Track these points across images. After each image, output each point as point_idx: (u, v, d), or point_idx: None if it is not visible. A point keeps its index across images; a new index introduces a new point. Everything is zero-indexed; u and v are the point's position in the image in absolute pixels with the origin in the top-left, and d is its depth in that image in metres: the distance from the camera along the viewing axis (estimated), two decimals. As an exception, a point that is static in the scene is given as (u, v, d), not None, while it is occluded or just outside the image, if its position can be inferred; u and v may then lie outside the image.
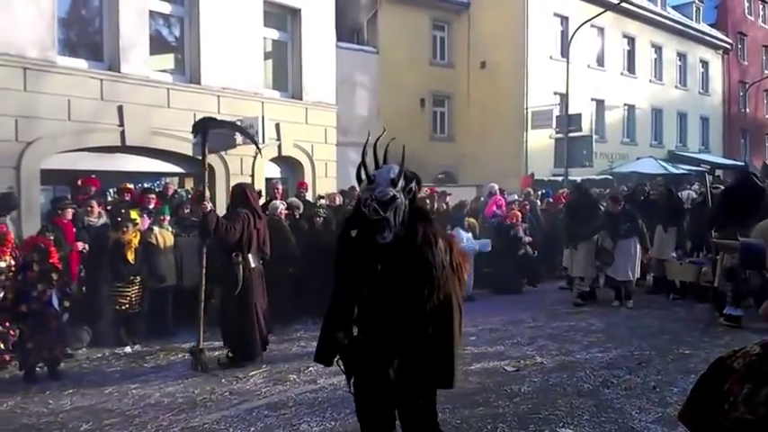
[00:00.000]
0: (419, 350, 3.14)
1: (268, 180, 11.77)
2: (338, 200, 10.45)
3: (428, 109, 20.58)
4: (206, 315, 6.61)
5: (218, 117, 10.76)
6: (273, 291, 8.48)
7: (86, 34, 10.01)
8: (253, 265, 6.40)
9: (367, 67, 18.26)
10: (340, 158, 13.73)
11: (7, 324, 6.06)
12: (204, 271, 6.44)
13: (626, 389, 5.54)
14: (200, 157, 6.61)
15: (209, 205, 6.15)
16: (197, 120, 6.69)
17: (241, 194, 6.59)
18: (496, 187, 12.23)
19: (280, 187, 9.82)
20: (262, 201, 10.80)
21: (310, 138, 12.59)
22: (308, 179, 12.47)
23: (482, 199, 12.72)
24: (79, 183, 8.23)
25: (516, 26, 19.93)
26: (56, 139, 8.86)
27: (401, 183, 3.13)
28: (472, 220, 10.92)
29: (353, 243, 3.23)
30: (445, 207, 11.77)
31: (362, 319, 3.27)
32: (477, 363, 6.36)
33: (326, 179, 12.83)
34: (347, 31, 18.04)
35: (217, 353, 6.71)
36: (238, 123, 6.69)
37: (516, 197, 11.38)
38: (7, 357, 6.18)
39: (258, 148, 7.54)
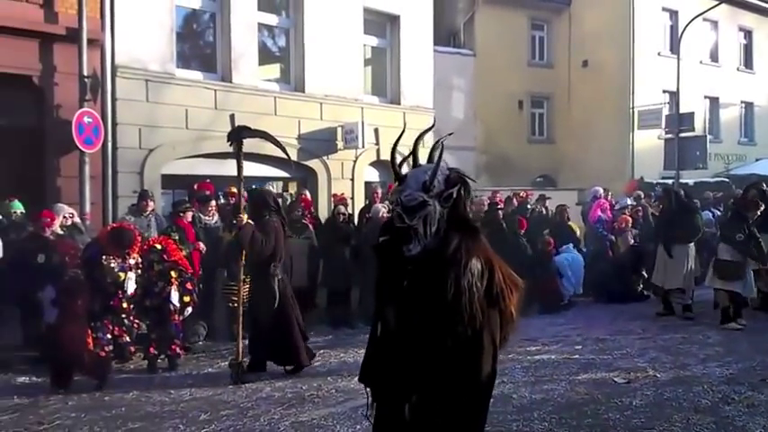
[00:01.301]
0: (439, 390, 2.69)
1: (367, 184, 12.02)
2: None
3: (526, 111, 20.17)
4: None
5: (320, 123, 11.28)
6: (368, 293, 8.70)
7: (201, 47, 10.68)
8: (280, 276, 6.18)
9: (463, 70, 18.18)
10: (437, 162, 13.74)
11: (132, 318, 6.56)
12: (244, 282, 6.23)
13: (748, 406, 5.17)
14: (237, 166, 6.29)
15: (244, 218, 5.96)
16: (231, 129, 6.58)
17: (268, 201, 6.37)
18: (601, 190, 11.76)
19: (379, 191, 9.97)
20: (359, 205, 11.12)
21: (408, 142, 12.55)
22: (405, 183, 12.59)
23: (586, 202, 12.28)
24: (195, 187, 8.77)
25: (621, 22, 19.11)
26: (175, 147, 9.52)
27: (437, 187, 2.71)
28: (572, 224, 10.60)
29: (385, 252, 2.82)
30: (545, 211, 11.50)
31: (382, 340, 2.87)
32: (584, 373, 6.17)
33: (424, 183, 12.88)
34: (444, 34, 18.05)
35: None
36: (270, 133, 6.54)
37: (629, 201, 10.79)
38: (132, 349, 6.67)
39: (289, 158, 7.02)
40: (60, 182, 8.55)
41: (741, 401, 5.29)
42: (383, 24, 12.74)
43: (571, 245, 10.04)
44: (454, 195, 2.75)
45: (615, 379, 5.98)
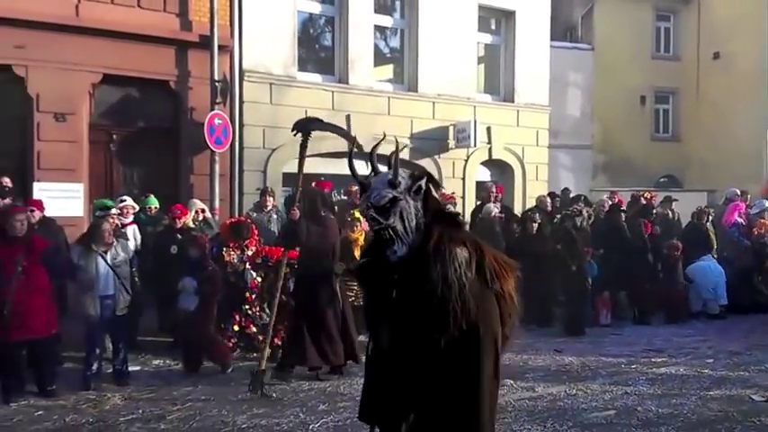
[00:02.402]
0: (437, 403, 2.55)
1: (479, 183, 11.88)
2: (549, 204, 10.11)
3: (649, 107, 19.05)
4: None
5: (432, 122, 11.30)
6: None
7: (320, 51, 11.05)
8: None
9: (581, 66, 17.45)
10: (551, 161, 13.35)
11: (256, 309, 6.90)
12: (281, 283, 5.80)
13: None
14: (300, 158, 5.92)
15: (298, 212, 5.79)
16: (298, 120, 6.12)
17: (324, 199, 6.28)
18: (738, 192, 10.84)
19: (494, 190, 9.82)
20: (470, 205, 11.00)
21: (521, 140, 12.43)
22: (518, 182, 12.34)
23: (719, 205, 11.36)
24: (313, 185, 9.09)
25: (758, 9, 17.49)
26: (295, 147, 9.90)
27: (404, 182, 2.65)
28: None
29: (368, 272, 2.74)
30: (671, 214, 10.80)
31: (376, 359, 2.74)
32: (716, 389, 5.74)
33: (537, 182, 12.55)
34: (560, 29, 17.46)
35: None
36: (341, 126, 6.20)
37: (767, 204, 9.85)
38: (261, 338, 6.99)
39: (357, 144, 5.54)
40: (193, 179, 9.20)
41: None
42: (498, 21, 12.54)
43: (709, 255, 9.32)
44: (423, 187, 2.68)
45: (753, 396, 5.52)
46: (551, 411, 5.13)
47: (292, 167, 9.89)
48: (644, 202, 10.15)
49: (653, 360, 6.78)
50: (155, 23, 8.82)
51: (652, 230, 8.99)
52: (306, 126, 5.77)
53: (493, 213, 8.86)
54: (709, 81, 18.48)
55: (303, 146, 5.79)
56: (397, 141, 2.87)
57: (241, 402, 5.31)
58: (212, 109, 9.05)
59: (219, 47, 9.15)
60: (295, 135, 5.87)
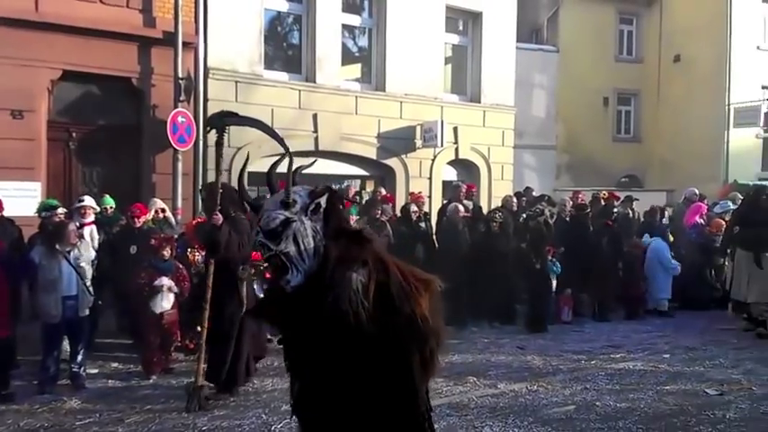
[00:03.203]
0: None
1: (445, 182, 11.98)
2: (515, 203, 10.22)
3: (612, 108, 19.43)
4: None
5: (400, 122, 11.33)
6: (448, 292, 8.65)
7: (286, 49, 11.00)
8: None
9: (546, 67, 17.72)
10: (516, 161, 13.53)
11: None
12: (209, 294, 5.14)
13: None
14: (216, 156, 5.41)
15: (220, 217, 5.21)
16: (212, 115, 5.66)
17: (233, 196, 5.39)
18: (697, 192, 11.13)
19: (464, 189, 9.90)
20: (436, 204, 11.06)
21: (487, 140, 12.57)
22: (483, 182, 12.47)
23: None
24: (278, 184, 9.04)
25: (717, 15, 18.00)
26: (260, 146, 9.83)
27: (301, 201, 2.40)
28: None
29: (265, 311, 2.54)
30: (631, 214, 11.03)
31: (303, 403, 2.51)
32: (672, 383, 5.90)
33: (503, 182, 12.71)
34: (526, 30, 17.69)
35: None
36: (258, 120, 5.05)
37: (731, 205, 10.10)
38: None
39: (285, 147, 4.74)
40: (155, 178, 9.06)
41: None
42: (465, 22, 12.65)
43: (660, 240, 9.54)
44: (323, 205, 2.43)
45: (707, 390, 5.69)
46: (513, 408, 5.21)
47: (257, 167, 9.84)
48: (602, 202, 10.35)
49: (612, 356, 6.93)
50: (117, 19, 8.67)
51: (612, 228, 9.17)
52: (220, 122, 5.29)
53: (459, 212, 8.91)
54: (670, 83, 18.94)
55: (218, 143, 5.29)
56: (290, 156, 2.63)
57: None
58: (176, 107, 8.93)
59: (184, 44, 9.04)
60: (208, 132, 5.46)
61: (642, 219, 10.69)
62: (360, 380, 2.32)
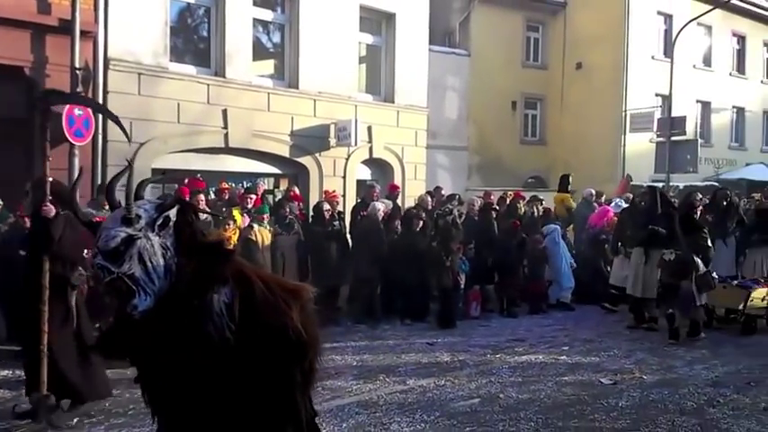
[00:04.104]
0: None
1: (359, 182, 12.02)
2: (429, 202, 10.40)
3: (519, 112, 20.20)
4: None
5: (313, 120, 11.25)
6: (364, 290, 8.70)
7: (195, 42, 10.64)
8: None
9: (458, 70, 18.16)
10: (428, 161, 13.78)
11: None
12: (46, 295, 4.54)
13: (733, 409, 5.22)
14: (42, 140, 4.77)
15: (52, 208, 4.56)
16: (40, 92, 4.96)
17: (66, 192, 4.63)
18: (593, 192, 11.76)
19: (377, 188, 9.95)
20: (350, 203, 11.07)
21: (401, 140, 12.72)
22: (397, 181, 12.60)
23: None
24: (186, 182, 8.72)
25: (616, 25, 19.16)
26: (166, 141, 9.47)
27: (146, 216, 2.17)
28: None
29: (118, 335, 2.20)
30: (536, 213, 11.49)
31: None
32: (570, 374, 6.20)
33: (416, 181, 12.91)
34: (439, 34, 18.04)
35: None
36: (93, 100, 4.40)
37: (624, 203, 10.75)
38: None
39: (125, 132, 4.38)
40: (49, 174, 8.46)
41: (726, 404, 5.33)
42: (379, 22, 12.72)
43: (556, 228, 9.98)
44: (172, 218, 2.21)
45: (602, 380, 6.01)
46: (420, 403, 5.29)
47: (162, 163, 9.47)
48: (508, 201, 10.74)
49: (516, 349, 7.20)
50: (8, 4, 8.03)
51: (518, 227, 9.51)
52: (45, 100, 4.71)
53: (379, 211, 8.96)
54: (573, 89, 19.94)
55: (42, 126, 4.65)
56: (131, 166, 2.41)
57: (98, 413, 4.98)
58: (72, 99, 8.41)
59: (82, 32, 8.53)
60: (36, 110, 4.77)
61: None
62: (235, 402, 2.16)
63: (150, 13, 9.34)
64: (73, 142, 8.33)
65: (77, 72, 8.46)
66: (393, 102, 12.62)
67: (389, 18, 12.64)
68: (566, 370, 6.35)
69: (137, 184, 2.38)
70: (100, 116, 8.64)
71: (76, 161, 8.44)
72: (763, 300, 7.86)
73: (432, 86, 14.02)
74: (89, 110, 8.46)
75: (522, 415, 5.00)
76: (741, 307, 7.83)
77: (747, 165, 21.81)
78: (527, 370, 6.34)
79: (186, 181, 9.01)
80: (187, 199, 6.56)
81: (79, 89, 8.47)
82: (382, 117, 12.38)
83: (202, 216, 7.71)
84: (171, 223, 2.21)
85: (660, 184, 16.45)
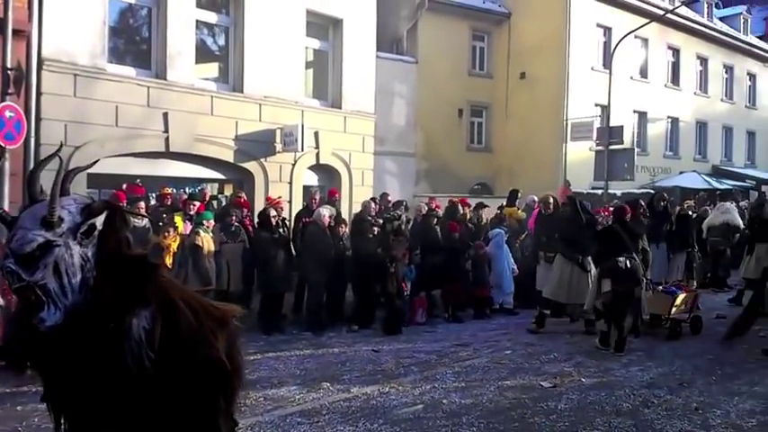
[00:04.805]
0: None
1: (306, 187, 11.92)
2: (373, 208, 10.40)
3: (466, 119, 20.53)
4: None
5: (259, 125, 11.10)
6: (310, 297, 8.62)
7: (135, 43, 10.34)
8: None
9: (405, 77, 18.30)
10: (376, 167, 13.81)
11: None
12: None
13: (667, 409, 5.39)
14: None
15: None
16: None
17: None
18: (536, 199, 12.03)
19: (317, 196, 9.88)
20: (298, 209, 10.94)
21: (348, 146, 12.70)
22: (344, 187, 12.58)
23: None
24: (124, 188, 8.46)
25: (558, 37, 19.74)
26: (103, 145, 9.15)
27: (69, 219, 1.96)
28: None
29: (18, 347, 1.96)
30: (480, 219, 11.65)
31: None
32: (512, 378, 6.28)
33: (363, 187, 12.91)
34: (387, 41, 18.14)
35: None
36: None
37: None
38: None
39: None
40: (-23, 178, 8.07)
41: (660, 405, 5.50)
42: (326, 27, 12.69)
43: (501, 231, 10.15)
44: (98, 226, 2.00)
45: (542, 383, 6.11)
46: (364, 411, 5.25)
47: (99, 168, 9.10)
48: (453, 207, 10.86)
49: (460, 354, 7.25)
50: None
51: (459, 231, 9.62)
52: None
53: (324, 217, 8.88)
54: (517, 98, 20.41)
55: None
56: (61, 160, 2.19)
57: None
58: (3, 100, 8.03)
59: (14, 31, 8.16)
60: None
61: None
62: (152, 429, 1.99)
63: (88, 12, 9.04)
64: (3, 145, 7.94)
65: (9, 72, 8.08)
66: (340, 107, 12.59)
67: (336, 23, 12.62)
68: (508, 374, 6.43)
69: (63, 175, 2.12)
70: (33, 118, 8.30)
71: (7, 165, 8.05)
72: (684, 305, 8.10)
73: (379, 93, 14.07)
74: (21, 112, 8.10)
75: (464, 420, 5.04)
76: (667, 313, 8.01)
77: (681, 173, 22.83)
78: (470, 375, 6.40)
79: (124, 186, 8.75)
80: (118, 203, 6.36)
81: (10, 90, 8.10)
82: (329, 123, 12.34)
83: (141, 222, 7.54)
84: (95, 232, 2.01)
85: (599, 191, 17.08)
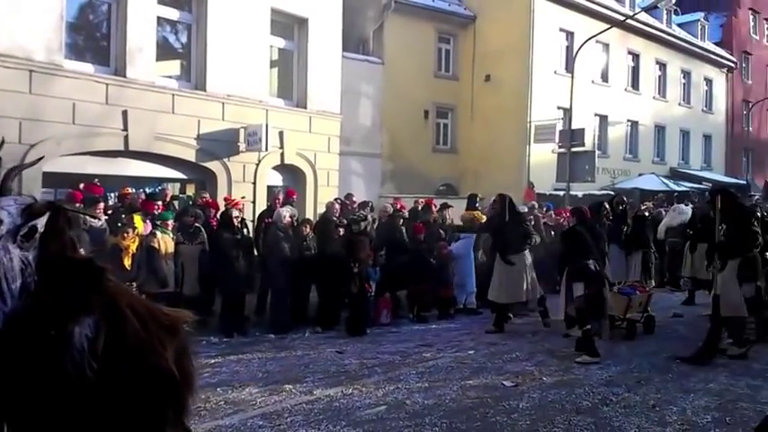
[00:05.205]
0: None
1: (270, 188, 11.80)
2: (337, 209, 10.35)
3: (431, 120, 20.63)
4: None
5: (222, 124, 10.95)
6: (272, 299, 8.53)
7: (94, 39, 10.09)
8: None
9: (372, 78, 18.32)
10: (342, 168, 13.77)
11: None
12: None
13: (625, 407, 5.49)
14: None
15: None
16: None
17: None
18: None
19: (281, 196, 9.80)
20: (260, 208, 10.82)
21: (313, 146, 12.62)
22: (309, 188, 12.50)
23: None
24: (81, 187, 8.23)
25: (522, 40, 19.99)
26: (60, 143, 8.89)
27: (8, 221, 1.87)
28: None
29: None
30: (445, 220, 11.71)
31: None
32: (475, 377, 6.32)
33: (328, 188, 12.85)
34: (353, 41, 18.12)
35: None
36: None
37: (525, 210, 11.19)
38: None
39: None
40: None
41: (618, 402, 5.60)
42: (291, 26, 12.59)
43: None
44: (40, 229, 1.91)
45: (504, 382, 6.16)
46: (327, 413, 5.21)
47: (55, 166, 8.89)
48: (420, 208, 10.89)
49: (423, 355, 7.26)
50: None
51: (424, 232, 9.64)
52: None
53: (284, 217, 8.79)
54: (482, 100, 20.60)
55: None
56: (0, 159, 2.14)
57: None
58: (-48, 95, 7.75)
59: (-37, 23, 7.87)
60: None
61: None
62: None
63: (44, 6, 8.78)
64: (-50, 142, 7.64)
65: (-43, 66, 7.79)
66: (305, 107, 12.51)
67: (302, 23, 12.53)
68: (471, 373, 6.47)
69: (4, 174, 2.02)
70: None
71: (-45, 163, 7.74)
72: (639, 305, 8.23)
73: (345, 93, 14.04)
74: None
75: (427, 420, 5.04)
76: (623, 314, 8.09)
77: (640, 175, 23.36)
78: (434, 375, 6.41)
79: (82, 186, 8.52)
80: (63, 203, 6.11)
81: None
82: (294, 122, 12.24)
83: (98, 223, 7.35)
84: (37, 235, 1.90)
85: (561, 193, 17.35)
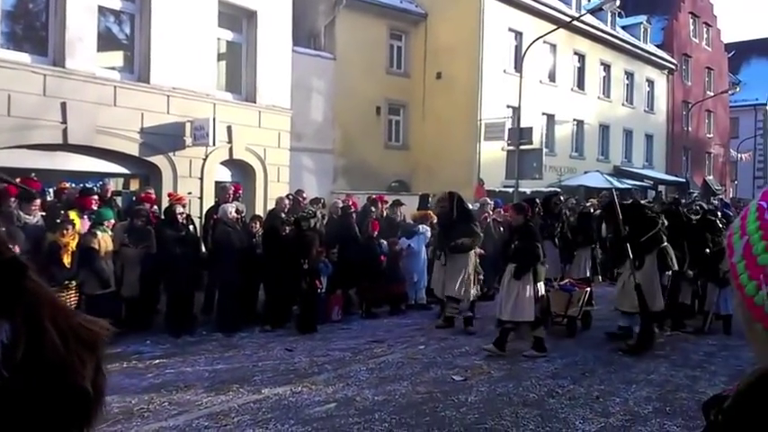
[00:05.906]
0: None
1: (218, 183, 11.53)
2: (287, 205, 10.22)
3: (383, 117, 20.61)
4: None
5: (167, 117, 10.64)
6: (220, 297, 8.34)
7: (31, 28, 9.64)
8: None
9: (323, 73, 18.17)
10: (293, 163, 13.61)
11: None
12: None
13: (570, 399, 5.61)
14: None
15: None
16: None
17: None
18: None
19: (231, 191, 9.58)
20: (207, 204, 10.58)
21: (263, 141, 12.41)
22: (259, 184, 12.30)
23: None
24: (18, 181, 7.83)
25: (471, 39, 20.19)
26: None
27: None
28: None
29: None
30: (398, 216, 11.74)
31: None
32: (425, 373, 6.35)
33: (279, 184, 12.67)
34: (304, 36, 17.93)
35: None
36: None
37: (477, 207, 11.28)
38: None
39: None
40: None
41: (564, 395, 5.73)
42: (239, 19, 12.34)
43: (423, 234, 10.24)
44: None
45: (454, 377, 6.22)
46: (275, 412, 5.13)
47: (-11, 159, 8.45)
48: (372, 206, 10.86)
49: (374, 351, 7.26)
50: None
51: (376, 228, 9.62)
52: None
53: (229, 213, 8.61)
54: (433, 97, 20.71)
55: None
56: None
57: None
58: None
59: None
60: None
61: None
62: None
63: (-26, -9, 8.32)
64: None
65: None
66: (255, 101, 12.28)
67: (251, 15, 12.30)
68: (421, 369, 6.50)
69: None
70: None
71: None
72: (578, 301, 8.37)
73: (296, 88, 13.86)
74: None
75: (376, 416, 5.03)
76: (564, 311, 8.21)
77: (585, 172, 23.98)
78: (384, 371, 6.41)
79: (18, 180, 8.11)
80: None
81: None
82: (243, 117, 12.01)
83: (33, 219, 7.02)
84: None
85: (510, 190, 17.63)
